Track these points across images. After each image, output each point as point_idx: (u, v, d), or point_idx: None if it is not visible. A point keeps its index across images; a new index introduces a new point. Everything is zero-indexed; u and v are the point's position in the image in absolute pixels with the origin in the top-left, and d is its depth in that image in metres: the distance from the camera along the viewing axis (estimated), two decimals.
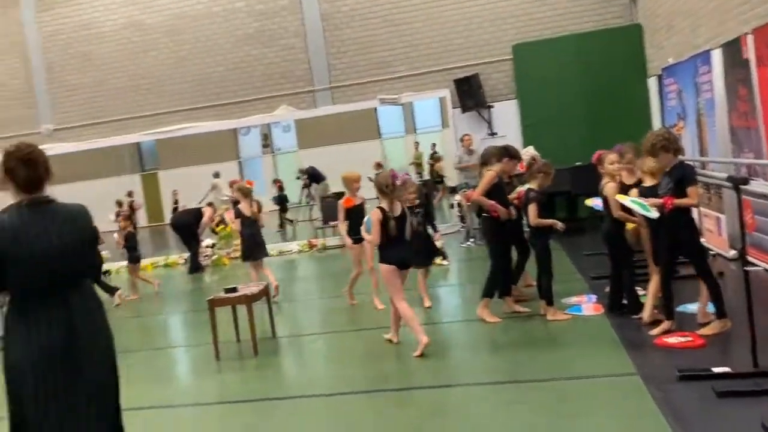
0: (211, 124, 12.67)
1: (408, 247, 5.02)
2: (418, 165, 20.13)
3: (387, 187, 4.88)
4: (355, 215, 6.49)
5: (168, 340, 6.78)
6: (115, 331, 6.95)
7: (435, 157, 20.02)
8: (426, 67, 12.12)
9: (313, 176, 18.14)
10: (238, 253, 12.66)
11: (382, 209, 4.84)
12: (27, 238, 2.59)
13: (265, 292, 5.86)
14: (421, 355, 4.71)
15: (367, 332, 5.85)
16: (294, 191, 18.89)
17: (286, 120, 12.30)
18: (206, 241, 13.06)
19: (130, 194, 21.59)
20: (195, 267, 11.43)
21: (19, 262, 2.58)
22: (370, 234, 4.96)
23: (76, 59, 13.15)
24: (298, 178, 18.59)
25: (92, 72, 13.09)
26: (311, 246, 12.13)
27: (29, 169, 2.66)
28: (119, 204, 18.15)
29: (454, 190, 14.70)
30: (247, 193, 7.49)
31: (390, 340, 5.16)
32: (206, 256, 12.68)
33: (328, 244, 11.95)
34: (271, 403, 4.40)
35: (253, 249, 7.41)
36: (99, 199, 19.86)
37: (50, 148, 13.69)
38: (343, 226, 6.70)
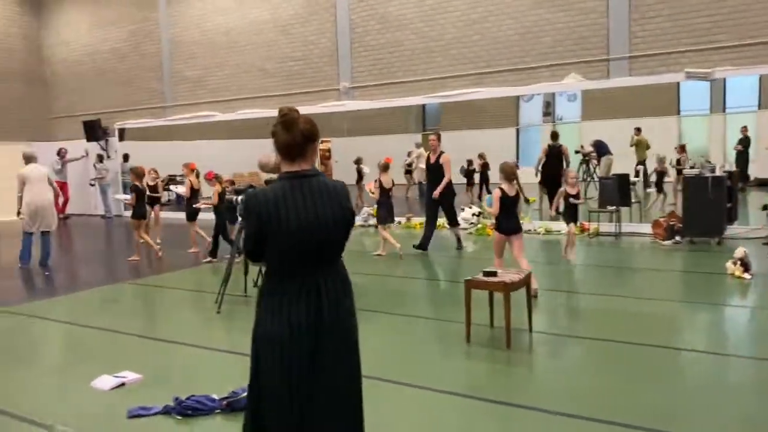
0: (497, 90, 12.39)
1: (515, 218, 6.56)
2: (640, 152, 16.87)
3: (513, 175, 6.43)
4: None
5: (421, 308, 6.72)
6: (370, 290, 6.96)
7: (743, 142, 17.21)
8: (752, 38, 10.16)
9: (598, 149, 16.84)
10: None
11: (502, 189, 6.40)
12: (287, 211, 2.50)
13: (526, 281, 5.41)
14: None
15: (646, 349, 5.05)
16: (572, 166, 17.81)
17: (572, 89, 11.40)
18: (472, 209, 12.99)
19: (409, 154, 22.46)
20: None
21: (278, 235, 2.51)
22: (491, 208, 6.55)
23: (376, 20, 13.80)
24: (577, 152, 17.47)
25: (389, 33, 13.64)
26: (583, 229, 11.25)
27: (287, 132, 2.56)
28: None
29: (764, 183, 12.39)
30: (385, 168, 9.28)
31: None
32: (471, 224, 12.61)
33: (602, 230, 10.96)
34: (516, 411, 3.97)
35: (386, 216, 9.29)
36: (390, 154, 21.23)
37: (344, 105, 14.84)
38: None
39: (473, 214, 12.69)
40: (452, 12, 12.84)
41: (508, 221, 6.44)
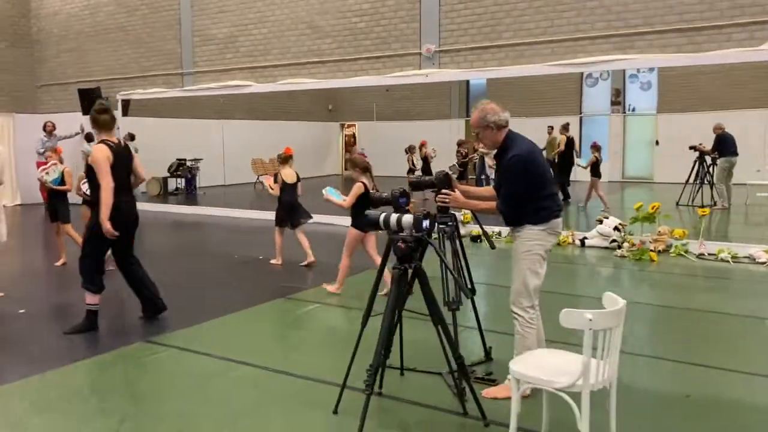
0: (661, 58, 8.90)
1: None
2: (550, 152, 15.03)
3: (368, 167, 6.31)
4: None
5: None
6: None
7: None
8: None
9: (720, 147, 13.43)
10: (662, 246, 9.07)
11: (364, 184, 6.16)
12: None
13: None
14: None
15: None
16: (681, 165, 14.43)
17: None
18: (610, 219, 9.59)
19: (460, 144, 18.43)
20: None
21: None
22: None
23: None
24: (692, 148, 13.98)
25: None
26: None
27: None
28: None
29: None
30: (286, 161, 8.06)
31: None
32: (614, 241, 9.22)
33: None
34: None
35: (287, 215, 7.93)
36: (431, 143, 17.79)
37: (428, 74, 11.38)
38: None
39: (615, 228, 9.28)
40: None
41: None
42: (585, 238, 9.53)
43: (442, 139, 20.03)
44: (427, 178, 4.30)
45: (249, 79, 12.73)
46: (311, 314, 6.10)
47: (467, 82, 23.70)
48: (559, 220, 4.04)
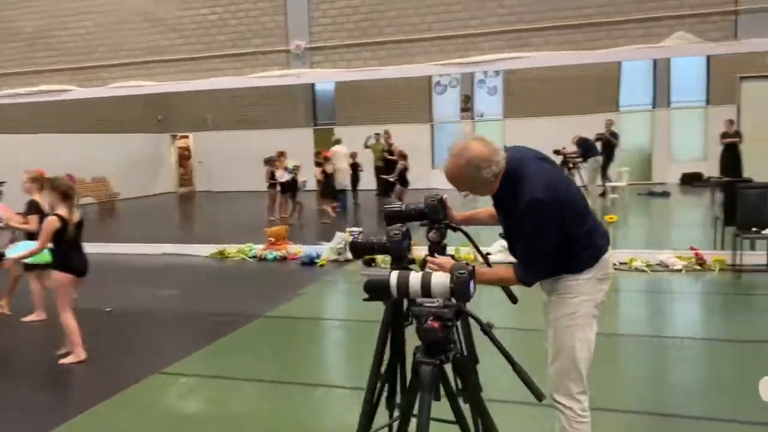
0: (554, 57, 8.25)
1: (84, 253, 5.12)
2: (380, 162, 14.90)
3: (71, 189, 5.01)
4: None
5: None
6: None
7: None
8: None
9: (584, 150, 13.49)
10: None
11: (60, 216, 4.87)
12: None
13: None
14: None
15: None
16: None
17: (691, 54, 7.67)
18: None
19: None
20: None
21: None
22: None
23: None
24: (557, 152, 13.89)
25: None
26: (700, 261, 7.49)
27: None
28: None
29: None
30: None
31: None
32: None
33: (733, 262, 7.26)
34: None
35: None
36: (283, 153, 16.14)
37: (299, 75, 9.90)
38: None
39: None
40: None
41: (79, 256, 5.07)
42: (488, 253, 8.62)
43: (289, 149, 18.57)
44: (413, 206, 2.91)
45: (70, 83, 10.34)
46: (205, 395, 4.41)
47: (312, 86, 22.37)
48: (608, 256, 2.86)
